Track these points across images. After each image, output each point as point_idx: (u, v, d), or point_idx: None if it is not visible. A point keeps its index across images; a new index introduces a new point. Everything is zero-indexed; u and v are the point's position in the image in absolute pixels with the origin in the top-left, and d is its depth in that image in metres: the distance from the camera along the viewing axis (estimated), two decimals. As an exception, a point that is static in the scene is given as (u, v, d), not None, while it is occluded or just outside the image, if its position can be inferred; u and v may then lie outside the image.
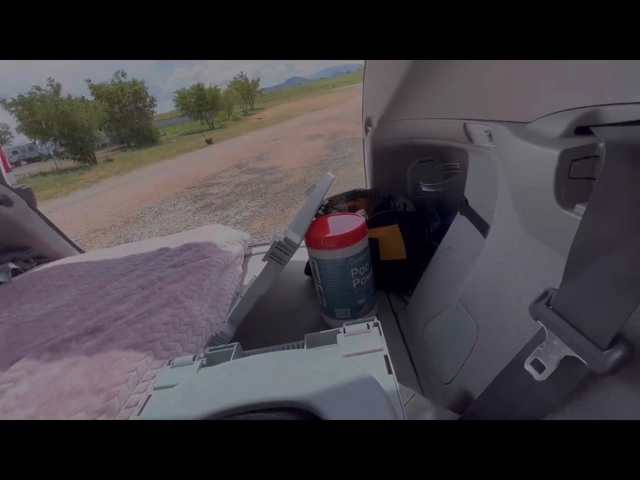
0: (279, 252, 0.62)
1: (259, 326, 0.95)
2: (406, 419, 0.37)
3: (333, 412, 0.34)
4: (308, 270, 1.15)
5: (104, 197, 7.39)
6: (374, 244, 0.90)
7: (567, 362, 0.34)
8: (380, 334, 0.50)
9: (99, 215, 5.89)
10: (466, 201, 0.74)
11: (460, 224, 0.75)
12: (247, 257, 1.38)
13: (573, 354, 0.32)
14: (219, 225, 1.35)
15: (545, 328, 0.36)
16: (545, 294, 0.37)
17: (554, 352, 0.35)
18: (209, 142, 12.90)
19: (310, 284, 1.12)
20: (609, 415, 0.32)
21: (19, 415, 0.56)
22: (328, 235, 0.73)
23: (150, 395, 0.50)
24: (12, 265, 1.19)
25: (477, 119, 0.60)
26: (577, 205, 0.33)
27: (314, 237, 0.74)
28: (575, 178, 0.34)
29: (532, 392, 0.37)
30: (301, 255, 1.22)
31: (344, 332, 0.53)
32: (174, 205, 5.55)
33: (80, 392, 0.58)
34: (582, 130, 0.36)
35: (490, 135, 0.56)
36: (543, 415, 0.37)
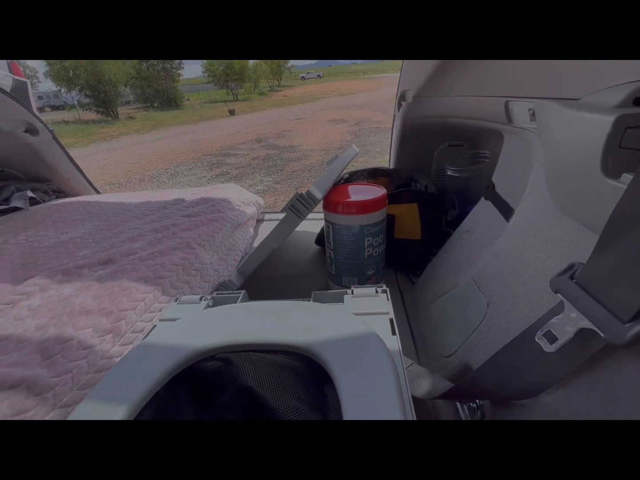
0: (299, 205, 0.61)
1: (264, 285, 0.96)
2: (406, 378, 0.38)
3: (334, 362, 0.35)
4: (319, 241, 1.15)
5: (122, 153, 7.43)
6: (390, 220, 0.89)
7: (581, 335, 0.33)
8: (388, 300, 0.50)
9: (115, 169, 5.94)
10: (493, 186, 0.72)
11: (483, 208, 0.73)
12: (259, 221, 1.39)
13: (591, 326, 0.32)
14: (235, 186, 1.35)
15: (564, 300, 0.35)
16: (570, 267, 0.36)
17: (570, 324, 0.34)
18: (232, 112, 12.78)
19: (319, 254, 1.12)
20: (618, 390, 0.32)
21: (29, 325, 0.58)
22: (348, 199, 0.72)
23: (155, 325, 0.51)
24: (30, 193, 1.21)
25: (521, 96, 0.57)
26: (623, 174, 0.32)
27: (333, 200, 0.73)
28: (625, 148, 0.33)
29: (538, 363, 0.37)
30: (313, 226, 1.23)
31: (352, 293, 0.53)
32: (190, 169, 5.56)
33: (90, 312, 0.59)
34: None
35: (533, 114, 0.54)
36: (546, 386, 0.37)
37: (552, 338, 0.36)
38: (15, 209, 1.17)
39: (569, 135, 0.40)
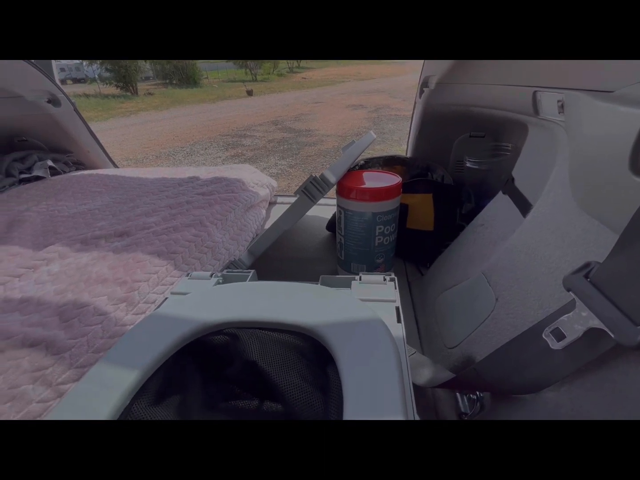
0: (312, 188, 0.61)
1: (274, 267, 0.97)
2: (409, 365, 0.38)
3: (338, 345, 0.35)
4: (329, 226, 1.15)
5: (140, 129, 7.49)
6: (403, 210, 0.88)
7: (590, 334, 0.33)
8: (395, 288, 0.50)
9: (133, 145, 6.00)
10: (512, 180, 0.70)
11: (500, 202, 0.72)
12: (271, 204, 1.39)
13: (601, 326, 0.31)
14: (250, 167, 1.35)
15: (576, 299, 0.34)
16: (586, 265, 0.35)
17: (580, 323, 0.34)
18: (250, 93, 12.61)
19: (329, 240, 1.12)
20: (625, 391, 0.31)
21: (49, 289, 0.61)
22: (362, 186, 0.72)
23: (167, 298, 0.53)
24: (50, 163, 1.24)
25: (550, 86, 0.55)
26: (653, 172, 0.31)
27: (347, 185, 0.73)
28: (658, 145, 0.31)
29: (544, 360, 0.37)
30: (325, 211, 1.22)
31: (360, 279, 0.54)
32: (206, 149, 5.57)
33: (105, 281, 0.62)
34: None
35: (562, 106, 0.52)
36: (549, 382, 0.37)
37: (559, 335, 0.35)
38: (37, 178, 1.21)
39: (599, 129, 0.38)
